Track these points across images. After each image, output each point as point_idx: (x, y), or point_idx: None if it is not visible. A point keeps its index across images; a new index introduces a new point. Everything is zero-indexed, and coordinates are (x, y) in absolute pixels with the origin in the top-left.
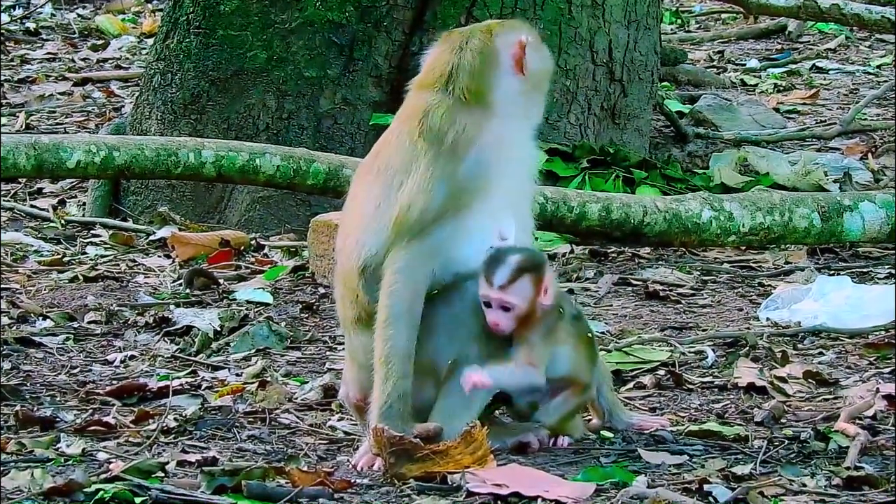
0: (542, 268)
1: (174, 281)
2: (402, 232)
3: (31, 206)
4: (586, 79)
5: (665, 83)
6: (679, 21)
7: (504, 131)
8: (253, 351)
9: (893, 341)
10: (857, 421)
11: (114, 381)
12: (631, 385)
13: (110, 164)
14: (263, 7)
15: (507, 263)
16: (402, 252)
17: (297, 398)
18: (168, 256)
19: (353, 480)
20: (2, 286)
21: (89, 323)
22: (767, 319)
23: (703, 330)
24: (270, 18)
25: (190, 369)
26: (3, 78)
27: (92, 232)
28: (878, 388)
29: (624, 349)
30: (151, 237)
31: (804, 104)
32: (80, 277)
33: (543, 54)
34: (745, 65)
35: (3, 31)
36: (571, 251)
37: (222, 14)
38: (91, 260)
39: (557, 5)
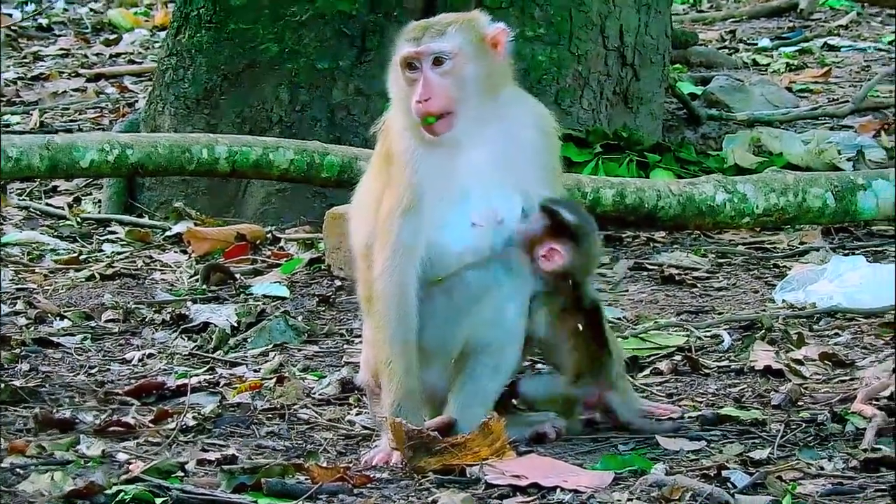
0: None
1: (191, 276)
2: (380, 229)
3: (47, 204)
4: (598, 63)
5: (677, 65)
6: (691, 1)
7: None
8: (270, 346)
9: None
10: (874, 402)
11: (132, 381)
12: (648, 371)
13: (124, 162)
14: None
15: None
16: (382, 256)
17: (314, 393)
18: (184, 252)
19: (372, 475)
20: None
21: (106, 322)
22: (783, 301)
23: (719, 313)
24: (281, 11)
25: (208, 366)
26: (16, 76)
27: (108, 229)
28: (894, 368)
29: (640, 335)
30: (167, 233)
31: (816, 83)
32: (97, 275)
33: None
34: (756, 44)
35: (15, 27)
36: None
37: (233, 8)
38: (107, 257)
39: None
